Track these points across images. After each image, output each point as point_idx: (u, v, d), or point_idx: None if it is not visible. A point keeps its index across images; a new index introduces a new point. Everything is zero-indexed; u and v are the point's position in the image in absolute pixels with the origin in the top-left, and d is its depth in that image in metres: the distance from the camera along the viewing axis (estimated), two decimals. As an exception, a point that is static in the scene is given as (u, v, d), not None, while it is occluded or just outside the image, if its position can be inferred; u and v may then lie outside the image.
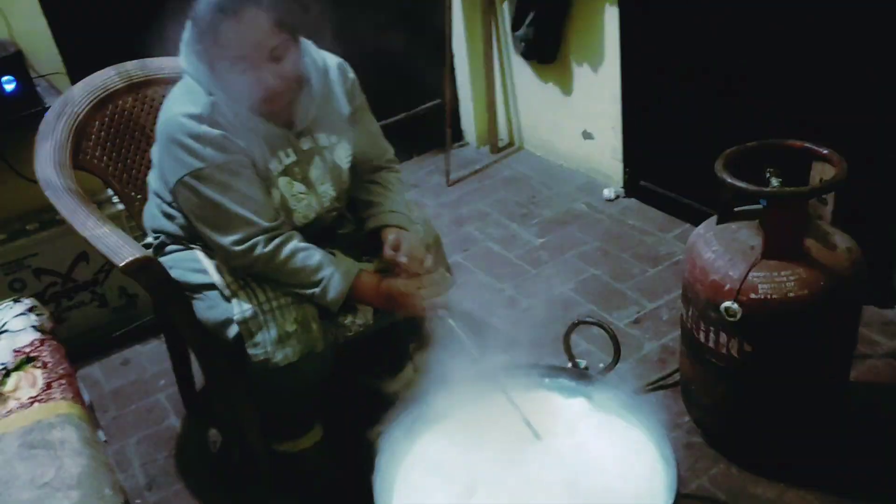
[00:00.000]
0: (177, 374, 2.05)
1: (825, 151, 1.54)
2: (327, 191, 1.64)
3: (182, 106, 1.46)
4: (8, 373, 1.43)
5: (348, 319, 1.60)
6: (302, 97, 1.54)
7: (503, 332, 2.21)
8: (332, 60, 1.63)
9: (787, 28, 2.07)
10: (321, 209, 1.64)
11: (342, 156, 1.64)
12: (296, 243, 1.51)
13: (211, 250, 1.59)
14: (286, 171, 1.56)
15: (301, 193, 1.59)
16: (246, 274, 1.53)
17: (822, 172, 1.55)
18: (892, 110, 1.91)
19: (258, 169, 1.52)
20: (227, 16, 1.35)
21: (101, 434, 1.39)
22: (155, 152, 1.62)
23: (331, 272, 1.50)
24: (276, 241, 1.50)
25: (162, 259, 1.63)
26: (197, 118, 1.44)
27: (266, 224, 1.49)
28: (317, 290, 1.50)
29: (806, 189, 1.48)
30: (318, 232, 1.69)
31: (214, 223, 1.49)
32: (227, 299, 1.53)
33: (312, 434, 1.76)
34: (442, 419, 1.59)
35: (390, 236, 1.59)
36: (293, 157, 1.56)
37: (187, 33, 1.49)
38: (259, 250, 1.48)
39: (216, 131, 1.44)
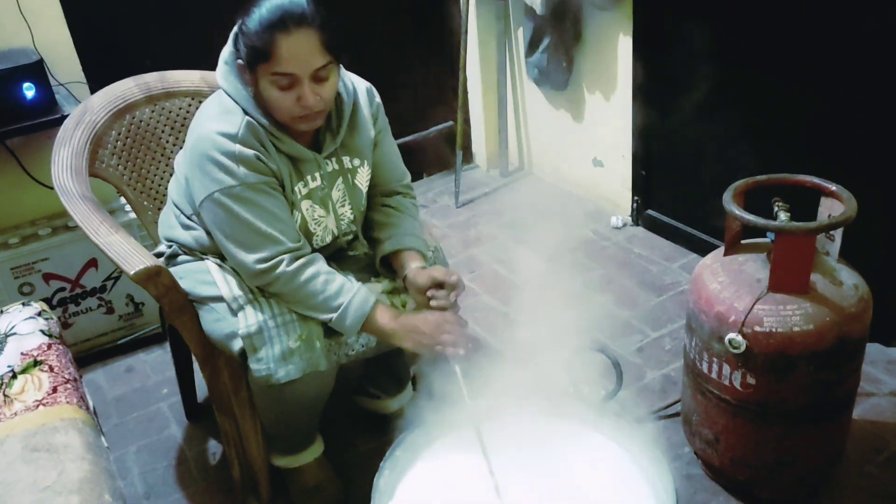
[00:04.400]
0: (180, 384, 2.06)
1: (833, 188, 1.55)
2: (346, 213, 1.65)
3: (217, 124, 1.48)
4: (15, 375, 1.44)
5: (352, 339, 1.60)
6: (333, 120, 1.56)
7: (506, 356, 2.22)
8: (360, 84, 1.65)
9: (798, 64, 2.09)
10: (339, 232, 1.66)
11: (363, 179, 1.66)
12: (319, 266, 1.52)
13: (223, 261, 1.60)
14: (310, 195, 1.58)
15: (321, 217, 1.61)
16: (264, 292, 1.54)
17: (830, 208, 1.55)
18: (901, 150, 1.93)
19: (285, 191, 1.54)
20: (281, 32, 1.37)
21: (103, 440, 1.40)
22: (180, 163, 1.63)
23: (349, 299, 1.51)
24: (301, 261, 1.51)
25: (173, 269, 1.64)
26: (232, 137, 1.46)
27: (291, 244, 1.51)
28: (334, 315, 1.51)
29: (814, 225, 1.48)
30: (332, 252, 1.70)
31: (240, 240, 1.50)
32: (234, 313, 1.54)
33: (313, 449, 1.76)
34: (440, 440, 1.60)
35: (422, 276, 1.58)
36: (318, 182, 1.58)
37: (228, 49, 1.51)
38: (282, 269, 1.49)
39: (250, 151, 1.46)
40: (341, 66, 1.53)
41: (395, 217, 1.70)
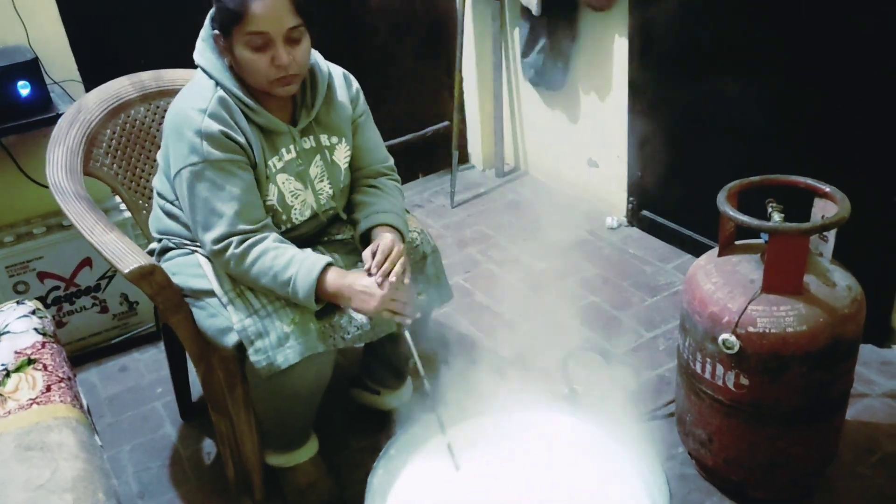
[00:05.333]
0: (174, 384, 2.05)
1: (827, 189, 1.56)
2: (324, 188, 1.67)
3: (189, 100, 1.52)
4: (8, 374, 1.44)
5: (344, 319, 1.60)
6: (307, 95, 1.59)
7: (501, 356, 2.22)
8: (336, 69, 1.69)
9: (792, 65, 2.10)
10: (318, 207, 1.68)
11: (341, 156, 1.69)
12: (267, 244, 1.53)
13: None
14: (285, 168, 1.60)
15: (299, 190, 1.63)
16: (227, 274, 1.57)
17: (823, 209, 1.56)
18: (893, 149, 1.93)
19: (258, 165, 1.55)
20: None
21: (97, 439, 1.39)
22: (160, 152, 1.65)
23: (296, 270, 1.51)
24: (249, 241, 1.52)
25: (165, 264, 1.65)
26: (201, 111, 1.49)
27: (244, 226, 1.52)
28: (288, 289, 1.51)
29: (807, 226, 1.49)
30: (315, 232, 1.72)
31: (199, 219, 1.53)
32: (226, 307, 1.55)
33: (307, 448, 1.76)
34: (434, 440, 1.60)
35: (373, 242, 1.60)
36: (293, 155, 1.61)
37: (205, 28, 1.55)
38: (231, 251, 1.51)
39: (217, 127, 1.49)
40: (318, 53, 1.58)
41: (374, 196, 1.71)
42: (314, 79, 1.61)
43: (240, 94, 1.51)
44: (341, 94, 1.66)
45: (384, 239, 1.57)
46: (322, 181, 1.66)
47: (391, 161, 1.81)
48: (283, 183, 1.60)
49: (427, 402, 1.57)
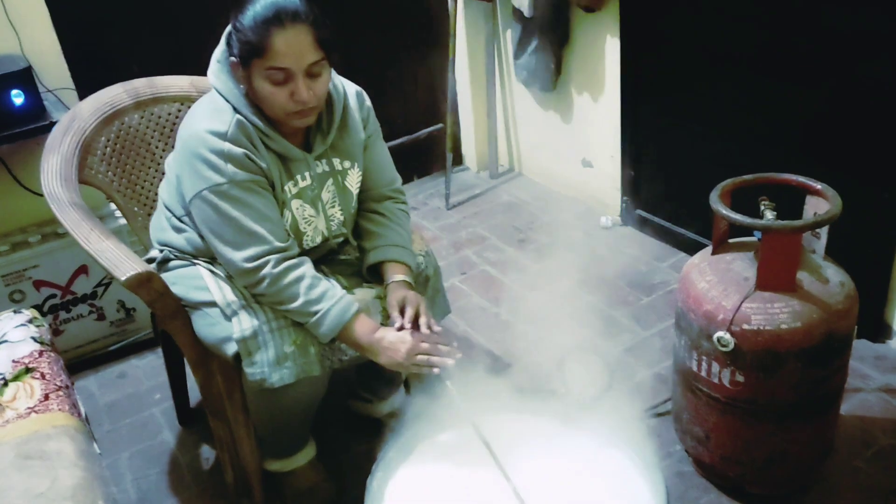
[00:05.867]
0: (172, 390, 2.06)
1: (819, 186, 1.57)
2: (335, 214, 1.66)
3: (207, 122, 1.49)
4: (6, 383, 1.44)
5: (345, 345, 1.60)
6: (323, 121, 1.57)
7: (498, 356, 2.23)
8: (350, 88, 1.66)
9: (783, 64, 2.12)
10: (329, 233, 1.66)
11: (353, 181, 1.67)
12: (306, 269, 1.52)
13: (215, 266, 1.61)
14: (300, 194, 1.58)
15: (311, 217, 1.61)
16: (250, 293, 1.54)
17: (815, 207, 1.57)
18: (884, 146, 1.94)
19: (275, 190, 1.54)
20: (276, 27, 1.39)
21: (95, 447, 1.40)
22: (171, 164, 1.64)
23: (329, 306, 1.50)
24: (287, 263, 1.51)
25: (165, 275, 1.64)
26: (221, 135, 1.47)
27: (279, 244, 1.51)
28: (311, 320, 1.51)
29: (800, 223, 1.50)
30: (323, 255, 1.71)
31: (228, 238, 1.50)
32: (228, 318, 1.54)
33: (305, 453, 1.77)
34: (432, 442, 1.60)
35: (395, 291, 1.58)
36: (308, 181, 1.59)
37: (221, 48, 1.52)
38: (268, 269, 1.49)
39: (239, 149, 1.47)
40: (332, 69, 1.54)
41: (382, 226, 1.69)
42: (331, 104, 1.57)
43: (256, 120, 1.49)
44: (354, 116, 1.64)
45: (408, 295, 1.56)
46: (333, 207, 1.64)
47: (399, 182, 1.78)
48: (297, 209, 1.58)
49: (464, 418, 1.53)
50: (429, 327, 1.52)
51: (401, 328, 1.51)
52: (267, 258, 1.49)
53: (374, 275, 1.69)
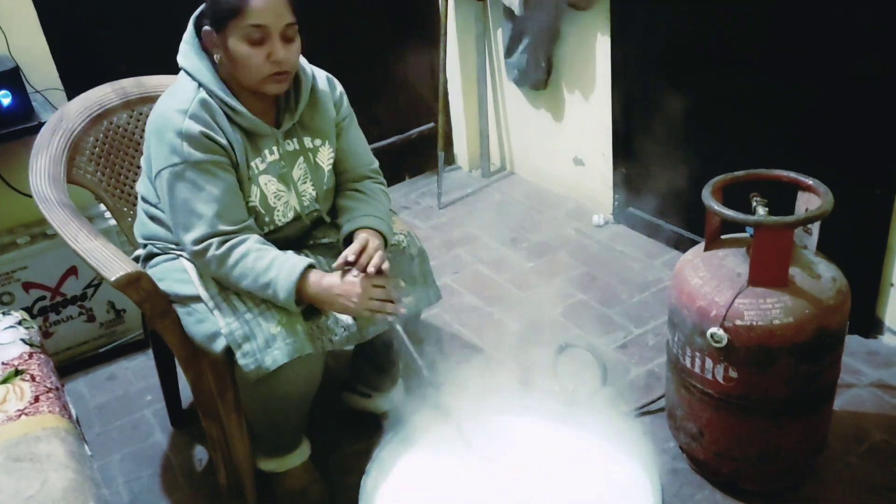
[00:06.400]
0: (164, 391, 2.04)
1: (810, 182, 1.57)
2: (307, 190, 1.67)
3: (170, 102, 1.53)
4: (-5, 385, 1.43)
5: (331, 321, 1.60)
6: (290, 99, 1.60)
7: (491, 355, 2.23)
8: (320, 72, 1.70)
9: (774, 61, 2.12)
10: (301, 209, 1.67)
11: (324, 158, 1.69)
12: (249, 245, 1.53)
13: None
14: (268, 170, 1.60)
15: (281, 192, 1.63)
16: (211, 278, 1.57)
17: (807, 202, 1.58)
18: (875, 142, 1.95)
19: (240, 167, 1.55)
20: None
21: (86, 449, 1.38)
22: (143, 156, 1.65)
23: (277, 272, 1.51)
24: (230, 243, 1.52)
25: (150, 270, 1.65)
26: (182, 112, 1.50)
27: (225, 227, 1.52)
28: (268, 292, 1.51)
29: (791, 219, 1.50)
30: (300, 235, 1.72)
31: (179, 220, 1.53)
32: (212, 312, 1.54)
33: (299, 453, 1.76)
34: (427, 440, 1.60)
35: (354, 242, 1.60)
36: (276, 156, 1.61)
37: (189, 32, 1.56)
38: (212, 252, 1.51)
39: (197, 128, 1.49)
40: (302, 57, 1.60)
41: (358, 201, 1.71)
42: (298, 81, 1.61)
43: (223, 95, 1.52)
44: (325, 97, 1.67)
45: (359, 237, 1.59)
46: (305, 183, 1.66)
47: (376, 164, 1.81)
48: (266, 184, 1.60)
49: (429, 388, 1.56)
50: (378, 270, 1.53)
51: (346, 264, 1.53)
52: (210, 241, 1.51)
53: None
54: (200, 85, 1.52)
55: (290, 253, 1.57)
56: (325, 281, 1.53)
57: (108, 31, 2.44)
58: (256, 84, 1.51)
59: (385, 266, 1.55)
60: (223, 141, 1.52)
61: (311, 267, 1.54)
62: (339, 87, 1.72)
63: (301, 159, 1.64)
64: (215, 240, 1.52)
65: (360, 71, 3.03)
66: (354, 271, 1.53)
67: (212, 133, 1.50)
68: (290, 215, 1.67)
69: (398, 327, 1.56)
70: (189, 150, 1.49)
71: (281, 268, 1.51)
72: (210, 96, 1.52)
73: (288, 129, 1.62)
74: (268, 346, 1.50)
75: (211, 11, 1.49)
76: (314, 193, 1.69)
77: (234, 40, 1.47)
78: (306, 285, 1.52)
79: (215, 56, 1.52)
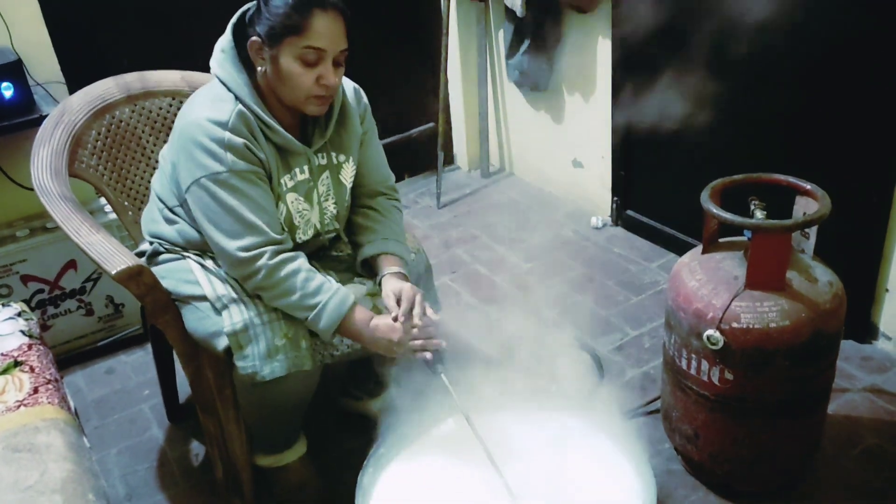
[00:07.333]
0: (162, 385, 2.05)
1: (808, 187, 1.58)
2: (329, 208, 1.66)
3: (207, 111, 1.48)
4: (-6, 376, 1.43)
5: (336, 338, 1.60)
6: (321, 116, 1.58)
7: (488, 355, 2.23)
8: (348, 84, 1.67)
9: (774, 65, 2.13)
10: (321, 227, 1.66)
11: (347, 175, 1.67)
12: (301, 262, 1.52)
13: (205, 259, 1.60)
14: (296, 187, 1.58)
15: (306, 210, 1.61)
16: (244, 286, 1.54)
17: (805, 207, 1.59)
18: (874, 148, 1.96)
19: (272, 182, 1.54)
20: (319, 8, 1.43)
21: (85, 440, 1.39)
22: (165, 155, 1.63)
23: (326, 299, 1.50)
24: (283, 256, 1.50)
25: (155, 269, 1.64)
26: (222, 125, 1.47)
27: (275, 236, 1.51)
28: (310, 314, 1.50)
29: (789, 223, 1.51)
30: (314, 251, 1.71)
31: (224, 228, 1.49)
32: (218, 311, 1.53)
33: (296, 449, 1.76)
34: (422, 439, 1.60)
35: (391, 283, 1.59)
36: (306, 175, 1.59)
37: (227, 38, 1.52)
38: (264, 261, 1.48)
39: (239, 139, 1.47)
40: None
41: (376, 221, 1.70)
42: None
43: (259, 111, 1.49)
44: (352, 112, 1.65)
45: (404, 288, 1.57)
46: (327, 200, 1.65)
47: (392, 180, 1.79)
48: (293, 202, 1.59)
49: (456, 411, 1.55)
50: (423, 315, 1.53)
51: (396, 319, 1.52)
52: (263, 249, 1.49)
53: (367, 269, 1.69)
54: (237, 98, 1.49)
55: (332, 280, 1.55)
56: (373, 322, 1.53)
57: (111, 25, 2.45)
58: (297, 103, 1.49)
59: (430, 314, 1.55)
60: (262, 155, 1.50)
61: (354, 303, 1.54)
62: (364, 99, 1.70)
63: (326, 174, 1.63)
64: (269, 249, 1.49)
65: (362, 70, 3.02)
66: (401, 317, 1.53)
67: (252, 147, 1.49)
68: (311, 233, 1.65)
69: (441, 374, 1.53)
70: (233, 160, 1.46)
71: (331, 296, 1.50)
72: (247, 110, 1.49)
73: (318, 147, 1.60)
74: (269, 356, 1.49)
75: (267, 24, 1.44)
76: (335, 211, 1.67)
77: (287, 58, 1.44)
78: (351, 320, 1.52)
79: (259, 67, 1.49)
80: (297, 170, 1.58)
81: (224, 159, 1.46)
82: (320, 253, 1.74)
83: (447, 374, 1.53)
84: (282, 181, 1.56)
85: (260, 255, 1.49)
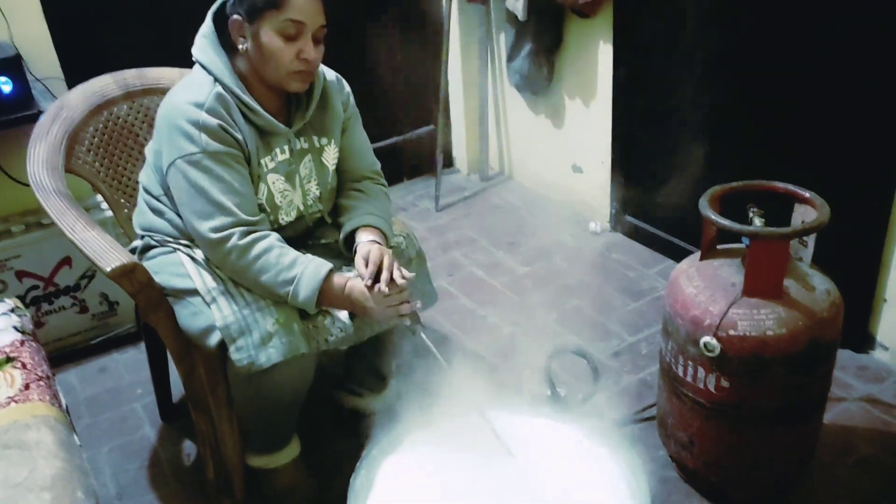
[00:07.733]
0: (155, 385, 2.04)
1: (807, 195, 1.58)
2: (311, 189, 1.68)
3: (185, 94, 1.52)
4: (-14, 372, 1.42)
5: (328, 321, 1.60)
6: (303, 98, 1.61)
7: (485, 358, 2.23)
8: (329, 72, 1.72)
9: (774, 72, 2.13)
10: (305, 208, 1.68)
11: (330, 157, 1.70)
12: (272, 240, 1.53)
13: (195, 251, 1.60)
14: (277, 168, 1.61)
15: (287, 190, 1.63)
16: (222, 270, 1.55)
17: (803, 214, 1.58)
18: (874, 156, 1.96)
19: (251, 163, 1.56)
20: None
21: (75, 438, 1.38)
22: (150, 146, 1.65)
23: (302, 270, 1.51)
24: (253, 235, 1.52)
25: (146, 263, 1.64)
26: (199, 105, 1.49)
27: (246, 217, 1.52)
28: (289, 288, 1.51)
29: (787, 231, 1.51)
30: (300, 234, 1.72)
31: (197, 209, 1.52)
32: (209, 305, 1.53)
33: (290, 450, 1.75)
34: (418, 437, 1.60)
35: (362, 247, 1.60)
36: (287, 155, 1.61)
37: (207, 25, 1.55)
38: (233, 241, 1.50)
39: (214, 121, 1.49)
40: None
41: (358, 200, 1.73)
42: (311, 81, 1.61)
43: (238, 91, 1.52)
44: (334, 96, 1.68)
45: (372, 249, 1.57)
46: (310, 181, 1.67)
47: (378, 165, 1.82)
48: (274, 183, 1.60)
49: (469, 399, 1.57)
50: (392, 279, 1.53)
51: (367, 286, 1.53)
52: (232, 230, 1.50)
53: (351, 249, 1.68)
54: (216, 79, 1.52)
55: (309, 255, 1.56)
56: (347, 285, 1.54)
57: (110, 21, 2.44)
58: (280, 79, 1.52)
59: (397, 277, 1.54)
60: (238, 136, 1.52)
61: (331, 270, 1.54)
62: (347, 87, 1.74)
63: (308, 157, 1.65)
64: (238, 229, 1.51)
65: (362, 72, 3.03)
66: (367, 282, 1.53)
67: (228, 127, 1.51)
68: (294, 214, 1.67)
69: (421, 333, 1.55)
70: (207, 140, 1.49)
71: (305, 267, 1.51)
72: (226, 91, 1.52)
73: (299, 128, 1.62)
74: (263, 343, 1.49)
75: (247, 1, 1.48)
76: (318, 193, 1.69)
77: (268, 32, 1.47)
78: (330, 287, 1.53)
79: (241, 46, 1.52)
80: (278, 150, 1.60)
81: (198, 140, 1.48)
82: (309, 241, 1.75)
83: (426, 333, 1.55)
84: (262, 162, 1.58)
85: (230, 237, 1.50)
